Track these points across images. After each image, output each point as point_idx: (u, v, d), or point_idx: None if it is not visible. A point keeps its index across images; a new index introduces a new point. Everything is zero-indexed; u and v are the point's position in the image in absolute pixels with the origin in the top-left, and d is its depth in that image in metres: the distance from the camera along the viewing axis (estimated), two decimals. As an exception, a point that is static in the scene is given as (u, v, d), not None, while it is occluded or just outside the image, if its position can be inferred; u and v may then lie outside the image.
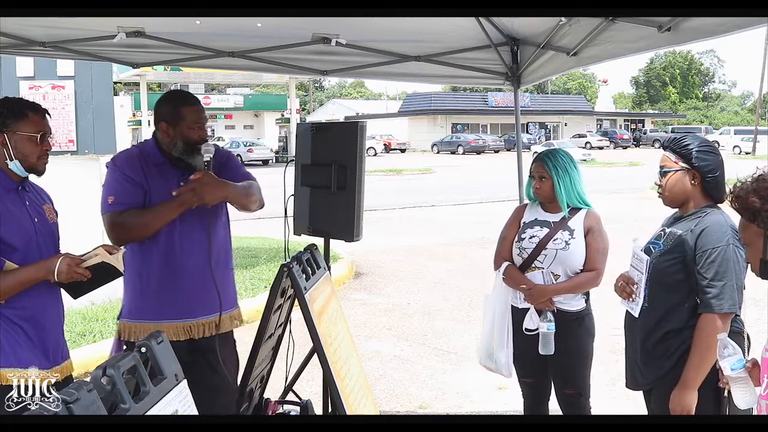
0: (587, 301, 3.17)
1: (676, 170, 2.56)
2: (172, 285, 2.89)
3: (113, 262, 2.42)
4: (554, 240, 3.10)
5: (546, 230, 3.13)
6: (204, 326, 2.94)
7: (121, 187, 2.87)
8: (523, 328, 3.12)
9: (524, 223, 3.22)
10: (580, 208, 3.16)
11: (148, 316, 2.90)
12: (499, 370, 3.21)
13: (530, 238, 3.14)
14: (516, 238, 3.20)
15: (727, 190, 2.45)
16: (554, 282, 3.09)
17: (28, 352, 2.36)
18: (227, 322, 3.02)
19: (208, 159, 2.84)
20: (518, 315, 3.16)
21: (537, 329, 3.09)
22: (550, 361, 3.12)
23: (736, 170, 2.45)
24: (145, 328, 2.85)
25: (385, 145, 47.99)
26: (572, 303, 3.12)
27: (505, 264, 3.20)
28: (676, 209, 2.65)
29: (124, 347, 2.92)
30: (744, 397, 2.10)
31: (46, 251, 2.46)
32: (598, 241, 3.12)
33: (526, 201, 3.35)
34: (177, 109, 2.91)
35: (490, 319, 3.23)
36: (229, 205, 3.01)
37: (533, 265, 3.12)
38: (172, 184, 2.86)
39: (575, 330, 3.11)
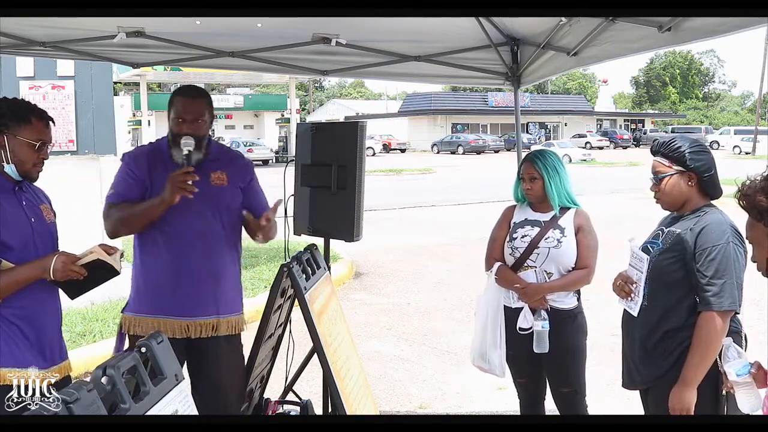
0: (579, 299, 3.19)
1: (672, 174, 2.55)
2: (174, 281, 2.86)
3: (109, 260, 2.39)
4: (546, 238, 3.11)
5: (537, 229, 3.14)
6: (201, 327, 2.88)
7: (123, 180, 2.90)
8: (517, 328, 3.13)
9: (514, 223, 3.23)
10: (569, 208, 3.18)
11: (148, 311, 2.89)
12: (492, 370, 3.22)
13: (522, 237, 3.16)
14: (507, 239, 3.21)
15: (725, 188, 2.46)
16: (547, 280, 3.10)
17: (25, 352, 2.35)
18: (224, 326, 2.94)
19: (188, 152, 2.75)
20: (511, 315, 3.16)
21: (531, 328, 3.10)
22: (545, 359, 3.12)
23: (737, 170, 2.44)
24: (145, 322, 2.86)
25: (384, 145, 47.97)
26: (565, 301, 3.13)
27: (497, 264, 3.21)
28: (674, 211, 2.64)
29: (126, 340, 2.92)
30: (749, 402, 2.09)
31: (43, 251, 2.42)
32: (589, 239, 3.14)
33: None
34: (173, 100, 2.92)
35: (482, 319, 3.24)
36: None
37: (525, 264, 3.13)
38: None
39: (568, 328, 3.12)
